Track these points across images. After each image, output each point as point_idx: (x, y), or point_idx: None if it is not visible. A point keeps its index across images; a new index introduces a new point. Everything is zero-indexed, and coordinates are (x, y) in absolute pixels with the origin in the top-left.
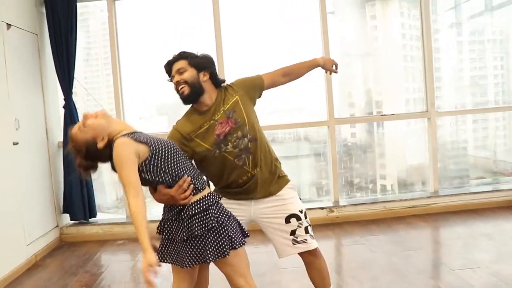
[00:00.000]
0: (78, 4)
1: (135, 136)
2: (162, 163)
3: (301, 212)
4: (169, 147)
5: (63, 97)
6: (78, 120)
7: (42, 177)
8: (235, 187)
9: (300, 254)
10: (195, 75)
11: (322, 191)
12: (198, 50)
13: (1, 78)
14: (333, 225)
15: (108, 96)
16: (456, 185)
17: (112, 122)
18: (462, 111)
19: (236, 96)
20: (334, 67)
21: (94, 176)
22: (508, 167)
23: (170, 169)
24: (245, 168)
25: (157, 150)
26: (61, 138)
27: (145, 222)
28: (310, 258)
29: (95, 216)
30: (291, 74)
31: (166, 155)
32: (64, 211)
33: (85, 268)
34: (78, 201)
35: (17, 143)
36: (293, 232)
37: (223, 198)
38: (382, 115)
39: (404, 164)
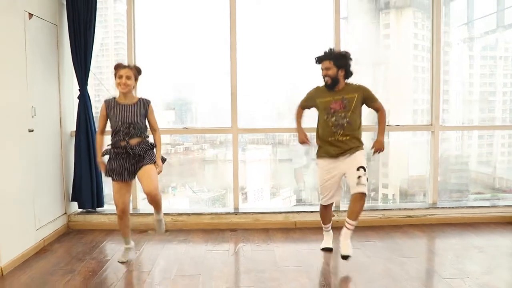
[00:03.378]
0: None
1: None
2: None
3: (365, 167)
4: None
5: (78, 88)
6: (92, 111)
7: (54, 165)
8: (328, 143)
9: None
10: (335, 72)
11: None
12: (342, 50)
13: (20, 66)
14: (333, 229)
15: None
16: (455, 198)
17: None
18: (467, 126)
19: (357, 94)
20: (376, 151)
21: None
22: (509, 184)
23: None
24: (336, 134)
25: None
26: (74, 128)
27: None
28: (357, 196)
29: (102, 206)
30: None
31: None
32: (73, 199)
33: (92, 255)
34: (87, 190)
35: (32, 130)
36: (359, 177)
37: (323, 159)
38: (387, 125)
39: (407, 174)
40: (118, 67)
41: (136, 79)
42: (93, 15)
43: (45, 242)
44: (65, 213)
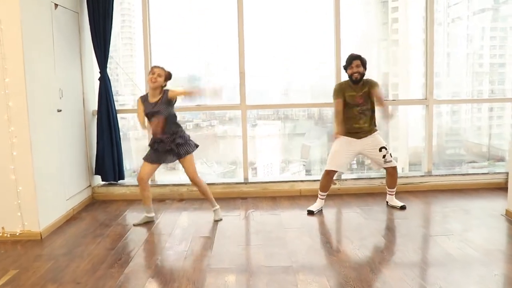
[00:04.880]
0: None
1: None
2: None
3: (386, 146)
4: None
5: (99, 71)
6: (112, 92)
7: (79, 141)
8: (353, 129)
9: (386, 167)
10: (363, 70)
11: None
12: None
13: (49, 53)
14: (334, 195)
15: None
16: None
17: None
18: (461, 100)
19: (368, 88)
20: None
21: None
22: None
23: None
24: (360, 122)
25: None
26: (95, 107)
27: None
28: (391, 170)
29: (123, 179)
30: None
31: None
32: (96, 173)
33: (117, 221)
34: (109, 164)
35: (60, 110)
36: (384, 156)
37: (347, 137)
38: (384, 99)
39: (416, 147)
40: (154, 67)
41: (165, 80)
42: (111, 2)
43: (74, 211)
44: (90, 185)
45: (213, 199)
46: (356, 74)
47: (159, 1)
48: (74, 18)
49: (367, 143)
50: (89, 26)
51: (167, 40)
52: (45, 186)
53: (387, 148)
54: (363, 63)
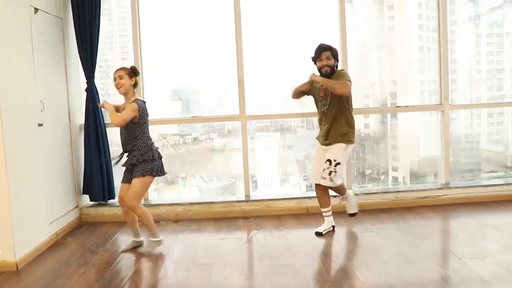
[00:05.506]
0: None
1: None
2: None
3: (334, 161)
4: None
5: (86, 81)
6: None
7: (64, 158)
8: (320, 129)
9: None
10: (333, 63)
11: None
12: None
13: (27, 61)
14: (345, 213)
15: None
16: (468, 178)
17: None
18: (477, 104)
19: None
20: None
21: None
22: None
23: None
24: (321, 122)
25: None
26: (82, 121)
27: None
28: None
29: (113, 198)
30: None
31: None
32: (84, 192)
33: (105, 247)
34: (97, 182)
35: (41, 125)
36: (323, 170)
37: (317, 141)
38: (397, 106)
39: (416, 156)
40: (114, 73)
41: (130, 77)
42: (97, 8)
43: (58, 235)
44: (77, 206)
45: (155, 228)
46: (326, 68)
47: (151, 7)
48: (58, 24)
49: (325, 150)
50: (74, 33)
51: (160, 50)
52: (24, 209)
53: (333, 165)
54: (334, 54)
